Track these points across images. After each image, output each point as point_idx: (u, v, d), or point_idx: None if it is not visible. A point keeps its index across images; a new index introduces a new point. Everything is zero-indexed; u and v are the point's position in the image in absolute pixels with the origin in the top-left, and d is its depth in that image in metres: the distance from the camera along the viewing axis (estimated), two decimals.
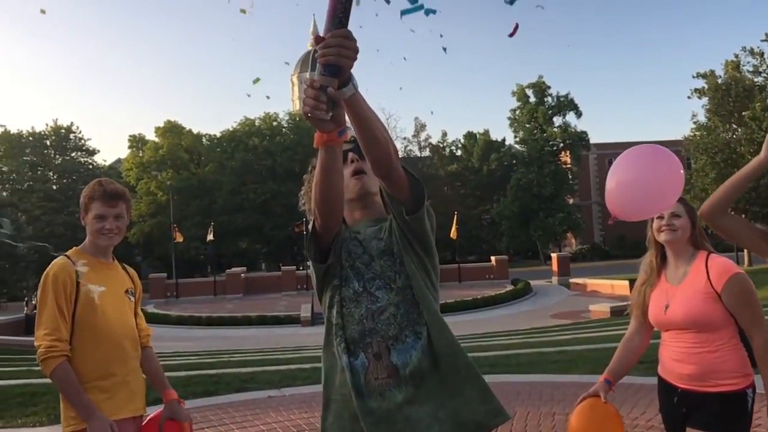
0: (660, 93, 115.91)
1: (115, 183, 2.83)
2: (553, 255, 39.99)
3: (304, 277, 37.61)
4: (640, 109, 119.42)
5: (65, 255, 2.77)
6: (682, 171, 2.55)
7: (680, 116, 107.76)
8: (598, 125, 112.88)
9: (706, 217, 2.52)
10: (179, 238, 34.07)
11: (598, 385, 2.83)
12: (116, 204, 2.75)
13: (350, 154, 2.11)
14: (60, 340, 2.60)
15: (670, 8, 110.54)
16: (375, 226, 2.08)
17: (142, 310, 3.00)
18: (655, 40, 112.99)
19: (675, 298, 2.71)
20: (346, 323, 1.96)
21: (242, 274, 40.94)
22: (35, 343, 2.62)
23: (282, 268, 43.56)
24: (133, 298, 2.89)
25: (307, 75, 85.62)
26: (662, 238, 2.75)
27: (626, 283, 29.12)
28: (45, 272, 2.68)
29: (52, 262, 2.72)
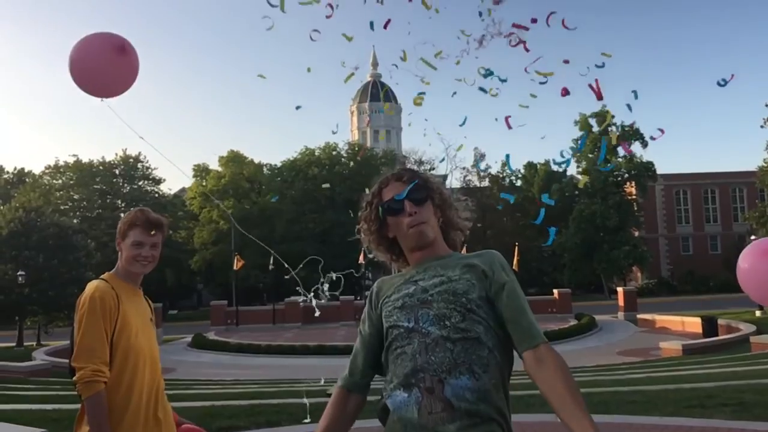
0: (730, 122, 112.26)
1: (153, 213, 2.88)
2: (619, 289, 38.57)
3: (362, 308, 37.27)
4: (709, 139, 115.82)
5: (102, 279, 2.76)
6: None
7: (752, 146, 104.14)
8: (666, 156, 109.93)
9: None
10: (239, 265, 34.39)
11: None
12: (155, 233, 2.79)
13: (407, 205, 1.98)
14: (106, 365, 2.56)
15: (740, 37, 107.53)
16: (437, 260, 2.00)
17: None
18: (724, 69, 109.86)
19: None
20: (401, 362, 1.91)
21: (301, 303, 40.97)
22: (76, 364, 2.53)
23: (340, 298, 43.45)
24: (154, 328, 2.93)
25: (366, 105, 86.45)
26: None
27: (698, 320, 27.72)
28: (89, 294, 2.65)
29: (93, 285, 2.70)
